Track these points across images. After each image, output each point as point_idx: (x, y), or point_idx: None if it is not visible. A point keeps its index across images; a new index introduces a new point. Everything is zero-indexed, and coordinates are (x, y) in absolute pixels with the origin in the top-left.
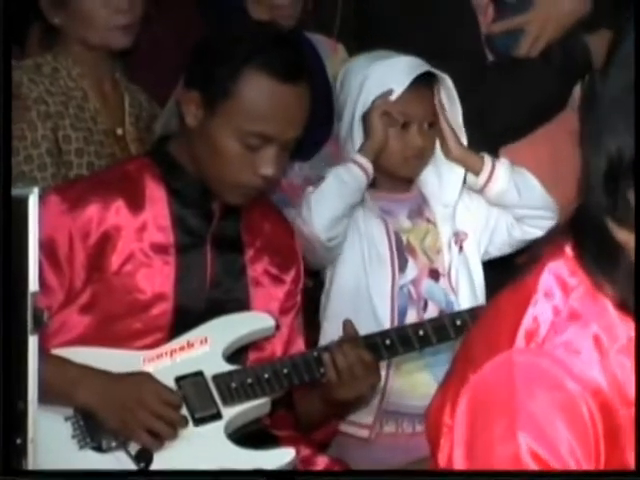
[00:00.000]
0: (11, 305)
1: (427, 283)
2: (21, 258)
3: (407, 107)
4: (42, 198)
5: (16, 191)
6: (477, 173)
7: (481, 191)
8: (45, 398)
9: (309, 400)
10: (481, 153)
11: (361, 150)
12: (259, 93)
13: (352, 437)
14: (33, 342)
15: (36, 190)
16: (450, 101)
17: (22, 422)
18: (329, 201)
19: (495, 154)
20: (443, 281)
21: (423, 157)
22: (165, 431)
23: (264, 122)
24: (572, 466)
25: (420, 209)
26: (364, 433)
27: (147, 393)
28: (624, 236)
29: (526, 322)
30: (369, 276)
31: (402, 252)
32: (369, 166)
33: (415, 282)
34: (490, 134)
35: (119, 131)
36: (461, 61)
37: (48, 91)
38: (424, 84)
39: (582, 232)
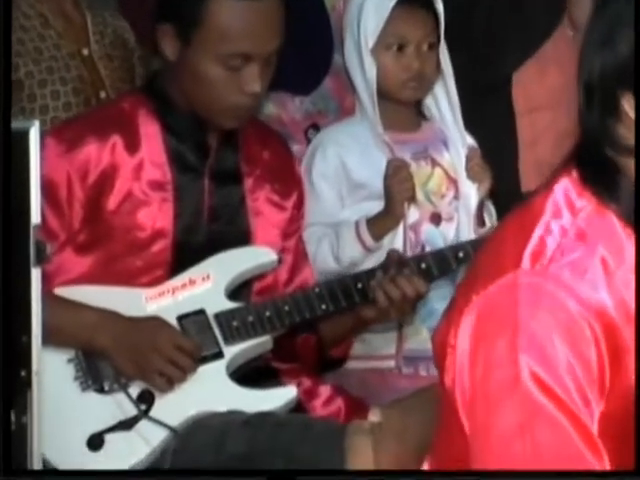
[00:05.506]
0: (13, 238)
1: (427, 228)
2: (22, 192)
3: (401, 29)
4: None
5: (16, 125)
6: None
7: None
8: (58, 341)
9: (338, 322)
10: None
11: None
12: (228, 14)
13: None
14: (36, 275)
15: (37, 123)
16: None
17: (26, 355)
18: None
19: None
20: (444, 226)
21: (422, 80)
22: (176, 375)
23: (240, 41)
24: (569, 385)
25: (426, 151)
26: (390, 364)
27: (161, 338)
28: (622, 162)
29: (532, 244)
30: None
31: None
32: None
33: (415, 226)
34: (501, 56)
35: (85, 51)
36: None
37: None
38: (420, 5)
39: (583, 157)
